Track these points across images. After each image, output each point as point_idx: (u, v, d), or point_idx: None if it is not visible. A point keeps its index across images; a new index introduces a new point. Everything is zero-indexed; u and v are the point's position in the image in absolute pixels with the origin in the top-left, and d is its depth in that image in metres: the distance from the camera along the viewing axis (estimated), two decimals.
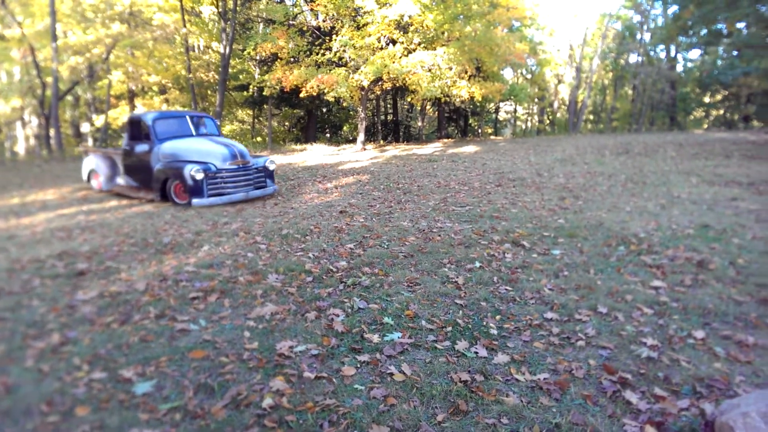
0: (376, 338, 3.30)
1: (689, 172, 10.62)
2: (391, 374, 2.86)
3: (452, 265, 4.78)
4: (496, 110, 33.80)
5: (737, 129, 26.46)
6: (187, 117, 9.32)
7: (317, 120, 27.66)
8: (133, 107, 25.14)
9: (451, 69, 16.17)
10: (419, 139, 28.47)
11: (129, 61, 22.10)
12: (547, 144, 19.16)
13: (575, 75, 32.68)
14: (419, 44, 17.23)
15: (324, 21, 18.90)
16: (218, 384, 2.77)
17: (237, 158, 8.40)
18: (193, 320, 3.60)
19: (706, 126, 33.01)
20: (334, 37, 17.34)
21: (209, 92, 27.03)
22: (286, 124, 30.95)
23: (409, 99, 19.42)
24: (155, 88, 25.57)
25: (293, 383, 2.78)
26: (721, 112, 33.36)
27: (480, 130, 33.07)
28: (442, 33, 16.68)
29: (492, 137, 29.48)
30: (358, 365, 2.98)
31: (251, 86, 21.57)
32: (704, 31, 19.34)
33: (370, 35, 16.35)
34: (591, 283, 4.26)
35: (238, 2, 19.39)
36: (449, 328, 3.44)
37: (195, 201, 7.99)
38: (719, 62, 28.15)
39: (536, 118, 39.52)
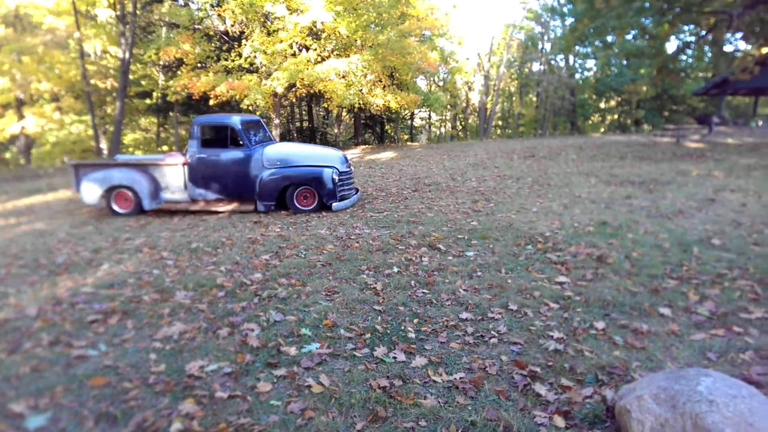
0: (293, 351, 3.22)
1: (588, 173, 11.39)
2: (309, 386, 2.80)
3: (371, 271, 4.79)
4: (412, 117, 34.56)
5: (630, 132, 28.85)
6: (261, 121, 8.92)
7: None
8: (21, 117, 23.08)
9: (366, 76, 16.32)
10: (336, 145, 28.47)
11: (15, 66, 20.28)
12: (461, 149, 19.85)
13: (484, 83, 34.19)
14: (333, 51, 17.25)
15: (232, 26, 18.42)
16: (121, 412, 2.58)
17: (348, 162, 8.46)
18: (91, 345, 3.33)
19: (602, 130, 35.68)
20: (243, 42, 16.92)
21: (108, 99, 25.42)
22: None
23: (325, 105, 19.34)
24: (47, 95, 23.67)
25: (204, 405, 2.64)
26: (616, 116, 36.22)
27: (396, 137, 33.63)
28: (356, 41, 16.81)
29: (408, 143, 30.06)
30: (275, 380, 2.89)
31: (155, 93, 20.53)
32: (597, 42, 20.96)
33: (281, 41, 16.14)
34: (502, 281, 4.43)
35: (138, 5, 18.41)
36: (368, 335, 3.43)
37: (335, 205, 7.95)
38: (614, 70, 30.59)
39: (449, 124, 40.88)
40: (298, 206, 8.00)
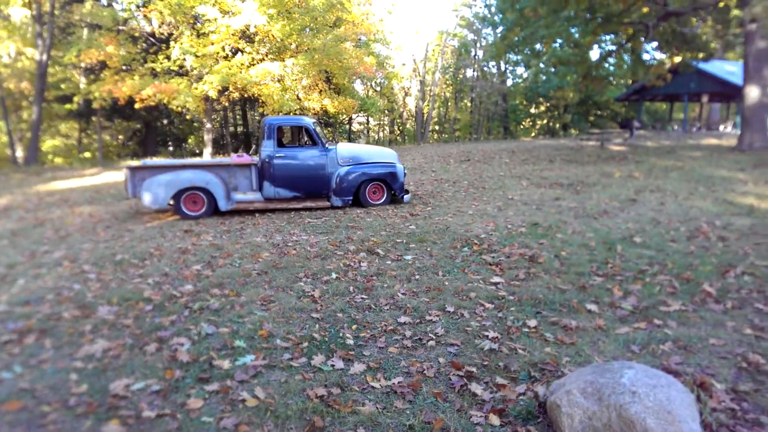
0: (226, 364, 3.11)
1: (521, 176, 11.80)
2: (243, 400, 2.70)
3: (308, 278, 4.72)
4: (350, 121, 34.56)
5: (558, 136, 30.19)
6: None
7: (157, 132, 25.74)
8: None
9: (301, 81, 16.16)
10: None
11: None
12: (399, 153, 20.01)
13: (420, 88, 34.76)
14: (267, 54, 16.97)
15: (160, 27, 17.73)
16: None
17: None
18: (5, 367, 3.08)
19: (533, 134, 37.14)
20: (172, 44, 16.32)
21: (24, 104, 23.77)
22: (120, 137, 28.32)
23: (261, 111, 18.97)
24: None
25: (130, 425, 2.49)
26: (545, 121, 37.80)
27: (335, 141, 33.52)
28: (290, 44, 16.62)
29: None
30: (207, 396, 2.77)
31: (76, 97, 19.38)
32: (527, 50, 21.79)
33: (213, 44, 15.70)
34: (440, 284, 4.48)
35: (56, 5, 17.36)
36: (305, 344, 3.37)
37: (406, 197, 8.84)
38: (543, 77, 31.88)
39: (387, 128, 41.23)
40: (370, 201, 8.63)
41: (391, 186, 8.64)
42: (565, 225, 6.63)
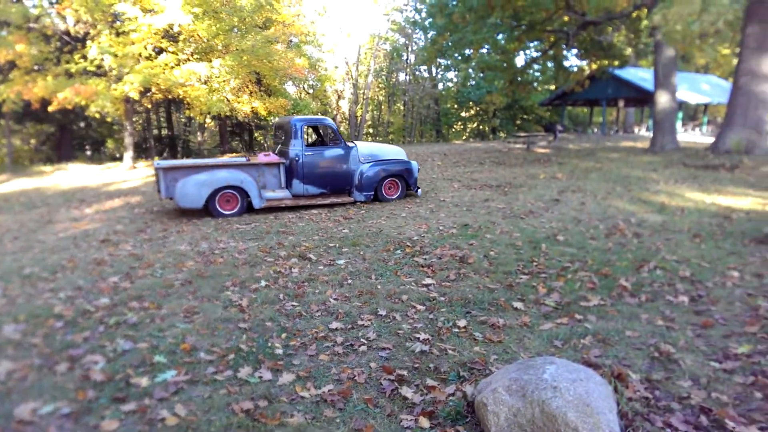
0: (145, 381, 2.93)
1: (452, 179, 12.04)
2: (163, 419, 2.56)
3: (236, 287, 4.56)
4: None
5: (488, 139, 31.13)
6: None
7: (74, 136, 24.17)
8: None
9: (229, 82, 15.68)
10: (200, 154, 26.95)
11: None
12: None
13: (353, 91, 34.76)
14: (192, 55, 16.35)
15: (75, 25, 16.65)
16: None
17: None
18: None
19: (464, 137, 38.06)
20: (89, 43, 15.37)
21: None
22: (32, 141, 26.33)
23: (187, 113, 18.25)
24: None
25: None
26: (475, 124, 38.84)
27: (267, 144, 32.81)
28: (217, 45, 16.10)
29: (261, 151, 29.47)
30: (123, 416, 2.60)
31: None
32: (457, 55, 22.34)
33: (133, 43, 14.93)
34: (372, 288, 4.46)
35: None
36: (231, 356, 3.24)
37: (419, 191, 9.65)
38: (472, 82, 32.76)
39: None
40: (386, 196, 9.21)
41: (407, 181, 9.32)
42: (494, 225, 6.80)
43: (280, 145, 9.10)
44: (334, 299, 4.21)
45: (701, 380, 2.80)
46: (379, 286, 4.50)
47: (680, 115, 25.49)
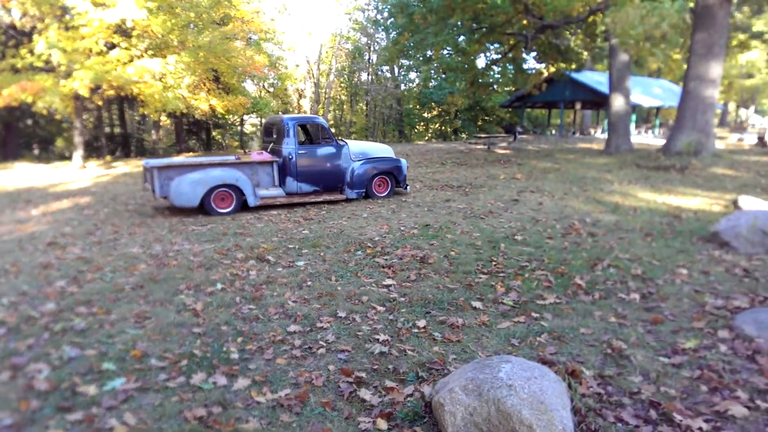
0: (92, 390, 2.81)
1: (414, 179, 12.09)
2: (111, 428, 2.45)
3: (190, 290, 4.43)
4: (242, 122, 33.38)
5: (450, 140, 31.46)
6: None
7: (20, 134, 23.09)
8: None
9: (185, 79, 15.26)
10: (155, 153, 26.10)
11: None
12: None
13: (314, 90, 34.52)
14: (146, 51, 15.86)
15: (21, 19, 15.91)
16: None
17: None
18: None
19: (427, 138, 38.35)
20: (36, 37, 14.70)
21: None
22: None
23: (141, 111, 17.68)
24: None
25: None
26: (438, 125, 39.19)
27: (225, 143, 32.15)
28: (173, 41, 15.66)
29: (239, 150, 28.88)
30: (68, 426, 2.48)
31: None
32: (419, 56, 22.49)
33: (83, 38, 14.35)
34: (332, 289, 4.41)
35: None
36: (184, 362, 3.14)
37: (408, 188, 9.91)
38: (434, 83, 33.04)
39: None
40: (376, 193, 9.43)
41: (396, 178, 9.56)
42: (455, 226, 6.86)
43: (272, 144, 9.11)
44: (293, 301, 4.14)
45: (651, 375, 2.88)
46: (339, 288, 4.46)
47: (634, 117, 26.37)
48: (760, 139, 17.66)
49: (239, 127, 33.79)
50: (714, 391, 2.70)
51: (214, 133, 30.10)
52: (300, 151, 8.70)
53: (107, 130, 27.43)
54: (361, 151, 9.38)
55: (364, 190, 9.26)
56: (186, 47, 16.02)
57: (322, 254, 5.54)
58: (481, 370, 2.39)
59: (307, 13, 47.17)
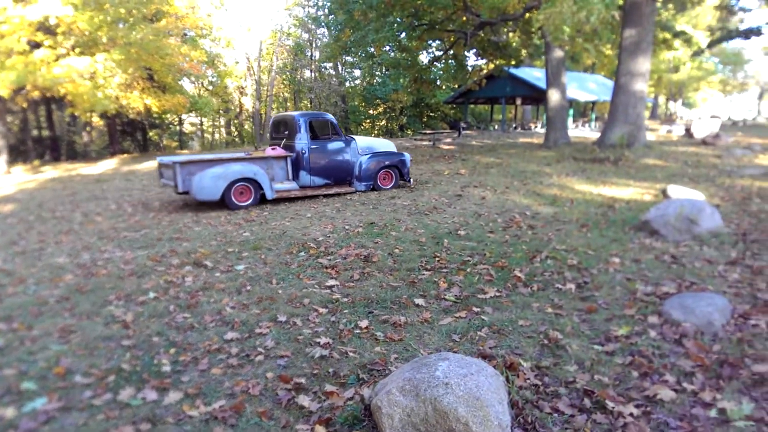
0: (10, 412, 2.61)
1: None
2: None
3: (120, 301, 4.20)
4: (180, 122, 32.21)
5: (396, 136, 31.59)
6: None
7: None
8: None
9: (115, 78, 14.54)
10: (87, 156, 24.76)
11: None
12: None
13: (256, 87, 33.79)
14: (73, 49, 15.01)
15: None
16: None
17: None
18: None
19: (373, 135, 38.41)
20: None
21: None
22: None
23: (70, 111, 16.71)
24: None
25: None
26: (384, 122, 39.30)
27: (162, 144, 30.91)
28: (101, 38, 14.88)
29: (178, 151, 27.90)
30: None
31: None
32: (361, 52, 22.41)
33: (3, 36, 13.43)
34: (273, 293, 4.30)
35: None
36: (112, 377, 2.97)
37: (411, 181, 10.37)
38: (378, 80, 33.06)
39: (224, 130, 39.36)
40: (381, 186, 9.91)
41: (400, 171, 10.04)
42: (399, 223, 6.85)
43: (285, 140, 9.48)
44: (231, 308, 4.00)
45: (585, 363, 2.95)
46: (280, 291, 4.35)
47: (571, 112, 27.35)
48: (687, 130, 18.69)
49: (178, 127, 32.61)
50: (644, 377, 2.79)
51: (150, 134, 28.85)
52: (312, 146, 9.19)
53: (35, 132, 25.80)
54: (368, 145, 9.92)
55: (372, 183, 9.77)
56: (116, 44, 15.26)
57: (263, 257, 5.40)
58: (418, 369, 2.37)
59: (246, 9, 46.14)
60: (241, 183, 8.40)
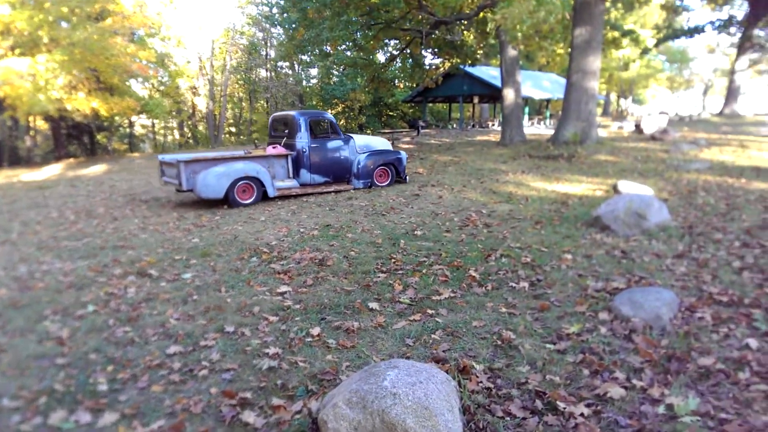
0: None
1: None
2: None
3: (57, 315, 3.95)
4: (131, 125, 31.09)
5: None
6: None
7: None
8: None
9: (58, 80, 13.88)
10: (31, 161, 23.53)
11: None
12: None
13: (209, 88, 32.98)
14: (12, 49, 14.24)
15: None
16: None
17: None
18: None
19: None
20: None
21: None
22: None
23: (8, 114, 15.84)
24: None
25: None
26: (342, 122, 39.03)
27: (111, 148, 29.69)
28: (42, 38, 14.17)
29: (129, 154, 26.86)
30: None
31: None
32: (317, 51, 22.16)
33: None
34: (221, 302, 4.13)
35: None
36: (43, 399, 2.77)
37: (407, 179, 10.47)
38: (335, 79, 32.80)
39: (177, 131, 38.22)
40: (378, 183, 10.05)
41: (397, 169, 10.21)
42: (356, 224, 6.76)
43: (285, 138, 9.58)
44: (175, 319, 3.81)
45: (538, 363, 2.93)
46: (228, 300, 4.18)
47: (527, 109, 27.86)
48: (637, 126, 19.28)
49: (128, 129, 31.44)
50: (595, 374, 2.79)
51: (98, 137, 27.67)
52: (312, 145, 9.36)
53: None
54: (365, 144, 10.13)
55: (370, 180, 9.93)
56: (59, 45, 14.56)
57: (212, 264, 5.20)
58: (366, 380, 2.28)
59: (197, 7, 44.98)
60: (244, 181, 8.54)
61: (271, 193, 8.83)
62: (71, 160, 22.22)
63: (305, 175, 9.41)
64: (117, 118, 24.45)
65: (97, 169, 16.70)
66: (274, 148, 9.47)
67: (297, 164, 9.36)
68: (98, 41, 14.49)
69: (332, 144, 9.63)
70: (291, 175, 9.34)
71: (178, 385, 2.91)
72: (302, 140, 9.30)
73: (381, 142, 10.53)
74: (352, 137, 9.96)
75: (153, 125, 36.13)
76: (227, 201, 8.46)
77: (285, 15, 20.70)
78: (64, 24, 15.58)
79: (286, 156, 9.25)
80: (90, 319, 3.84)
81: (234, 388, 2.83)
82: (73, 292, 4.46)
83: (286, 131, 9.61)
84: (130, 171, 15.42)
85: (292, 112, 9.67)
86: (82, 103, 15.25)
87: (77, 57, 14.19)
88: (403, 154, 10.46)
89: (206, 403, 2.70)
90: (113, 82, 16.91)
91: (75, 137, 25.72)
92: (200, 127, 37.05)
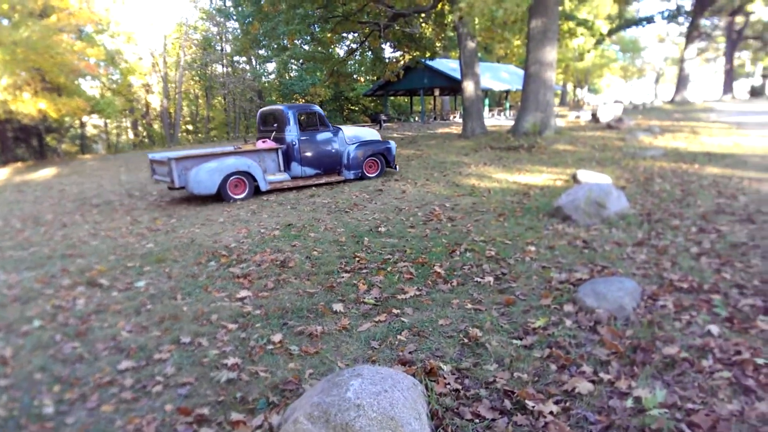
0: None
1: None
2: None
3: (0, 333, 3.69)
4: (82, 125, 29.85)
5: None
6: None
7: None
8: None
9: (1, 80, 13.15)
10: None
11: None
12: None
13: (163, 85, 31.97)
14: None
15: None
16: None
17: None
18: None
19: None
20: None
21: None
22: None
23: None
24: None
25: None
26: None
27: (60, 150, 28.45)
28: None
29: (80, 156, 25.77)
30: None
31: None
32: (274, 45, 21.72)
33: None
34: (177, 311, 3.94)
35: None
36: None
37: (398, 168, 10.65)
38: (294, 73, 32.30)
39: (131, 131, 36.95)
40: (367, 174, 10.12)
41: (387, 159, 10.33)
42: (319, 223, 6.62)
43: (274, 132, 9.61)
44: (128, 331, 3.61)
45: (505, 360, 2.89)
46: (185, 308, 3.99)
47: (487, 101, 28.10)
48: (594, 115, 19.69)
49: (79, 130, 30.18)
50: (562, 369, 2.76)
51: (47, 139, 26.45)
52: (302, 138, 9.39)
53: None
54: (354, 135, 10.16)
55: (360, 171, 9.99)
56: (0, 44, 13.78)
57: (167, 270, 4.98)
58: (328, 392, 2.17)
59: (147, 1, 43.45)
60: (236, 176, 8.61)
61: (263, 186, 8.86)
62: (19, 164, 21.15)
63: (296, 168, 9.47)
64: (67, 119, 23.40)
65: (46, 172, 15.95)
66: (264, 142, 9.51)
67: (288, 157, 9.42)
68: (42, 39, 13.77)
69: (321, 136, 9.69)
70: (282, 168, 9.39)
71: (130, 403, 2.74)
72: (292, 133, 9.36)
73: (370, 133, 10.63)
74: (341, 129, 10.06)
75: (105, 125, 34.79)
76: (220, 196, 8.53)
77: (239, 8, 20.16)
78: (5, 21, 14.77)
79: (276, 150, 9.30)
80: (35, 335, 3.60)
81: (190, 404, 2.68)
82: (17, 306, 4.18)
83: (275, 125, 9.68)
84: (81, 174, 14.78)
85: (281, 106, 9.71)
86: (29, 105, 14.50)
87: (20, 56, 13.45)
88: (393, 144, 10.57)
89: (160, 422, 2.54)
90: (60, 82, 16.10)
91: (22, 140, 24.50)
92: (155, 126, 35.89)
